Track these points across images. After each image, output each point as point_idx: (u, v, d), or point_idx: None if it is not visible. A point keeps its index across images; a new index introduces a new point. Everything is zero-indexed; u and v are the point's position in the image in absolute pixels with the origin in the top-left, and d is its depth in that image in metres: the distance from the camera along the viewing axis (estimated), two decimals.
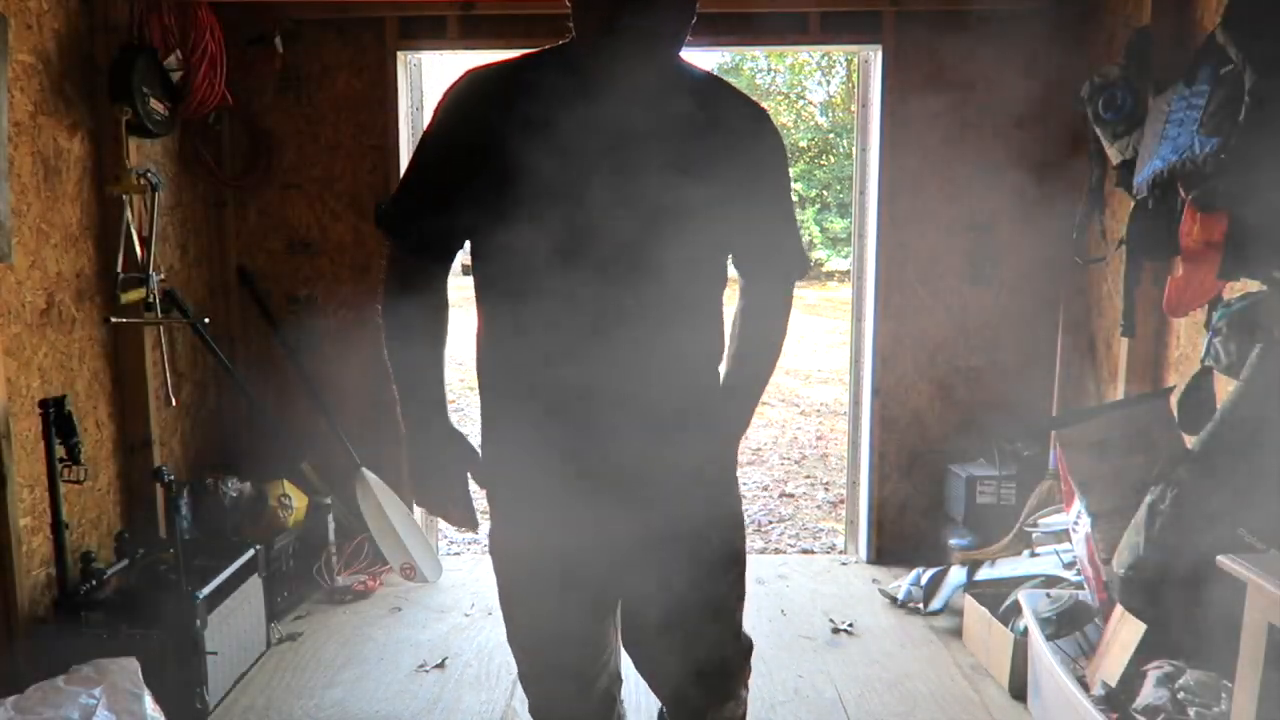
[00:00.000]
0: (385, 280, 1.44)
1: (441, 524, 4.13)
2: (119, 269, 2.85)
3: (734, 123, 1.41)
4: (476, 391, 1.50)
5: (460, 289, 1.47)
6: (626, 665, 1.63)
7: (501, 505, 1.50)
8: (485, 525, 1.59)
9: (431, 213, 1.37)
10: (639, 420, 1.37)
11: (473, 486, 1.47)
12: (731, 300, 1.54)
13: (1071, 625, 2.46)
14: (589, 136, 1.29)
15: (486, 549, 4.31)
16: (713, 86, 1.43)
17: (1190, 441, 2.24)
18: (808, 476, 5.39)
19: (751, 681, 1.64)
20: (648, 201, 1.30)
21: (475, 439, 1.50)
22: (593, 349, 1.34)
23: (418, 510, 3.65)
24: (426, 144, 1.38)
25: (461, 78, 1.37)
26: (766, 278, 1.54)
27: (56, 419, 2.43)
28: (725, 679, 1.54)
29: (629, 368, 1.35)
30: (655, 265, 1.32)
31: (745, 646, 1.58)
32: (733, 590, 1.53)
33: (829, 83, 15.22)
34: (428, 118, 1.38)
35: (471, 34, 3.39)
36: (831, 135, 14.58)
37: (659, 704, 1.64)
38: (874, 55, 3.46)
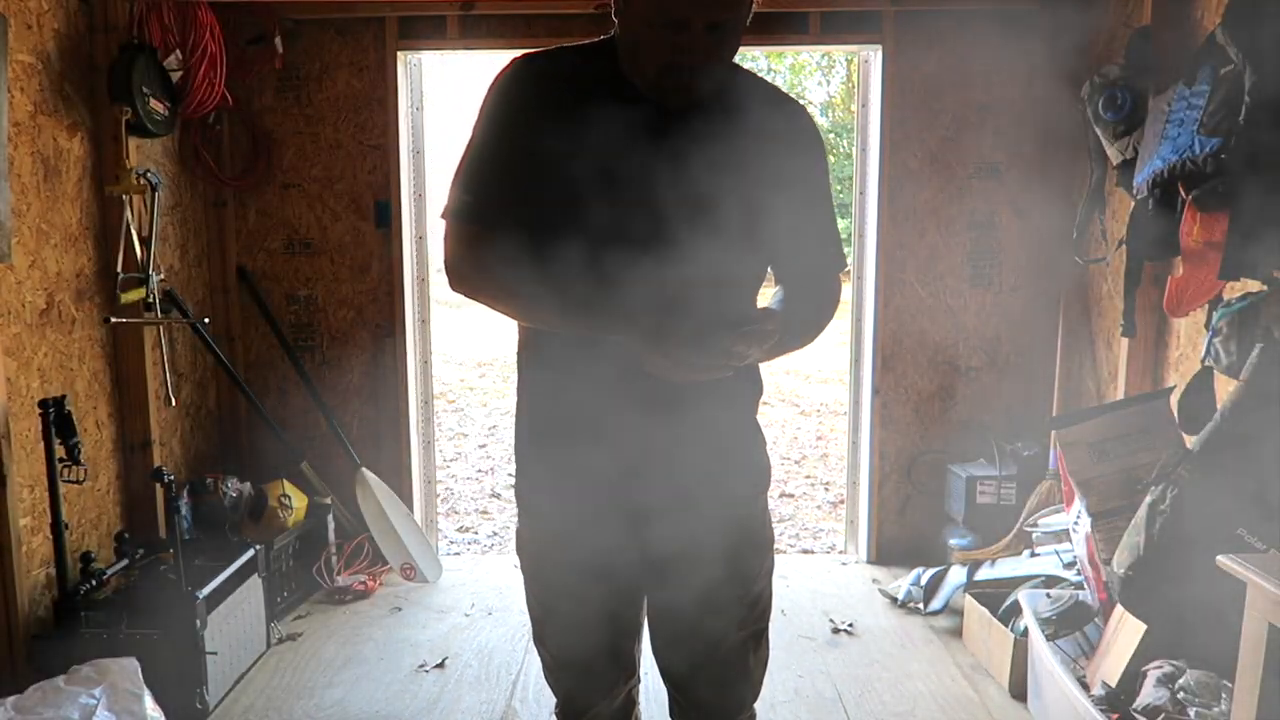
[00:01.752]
0: (463, 262, 1.36)
1: (441, 524, 4.13)
2: (119, 269, 2.85)
3: (775, 126, 1.40)
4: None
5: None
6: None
7: (534, 501, 1.50)
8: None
9: (493, 197, 1.35)
10: (679, 420, 1.36)
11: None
12: None
13: (1071, 625, 2.46)
14: (631, 137, 1.29)
15: (487, 549, 4.30)
16: (754, 87, 1.42)
17: (1190, 441, 2.24)
18: (808, 476, 5.39)
19: None
20: (690, 207, 1.31)
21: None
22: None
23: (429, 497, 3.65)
24: (482, 131, 1.36)
25: (510, 65, 1.37)
26: (813, 276, 1.47)
27: (56, 419, 2.43)
28: (743, 689, 1.55)
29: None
30: (697, 266, 1.31)
31: (763, 658, 1.57)
32: (758, 603, 1.52)
33: (829, 83, 15.23)
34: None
35: (471, 34, 3.39)
36: (832, 135, 14.56)
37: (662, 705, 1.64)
38: (874, 55, 3.47)
